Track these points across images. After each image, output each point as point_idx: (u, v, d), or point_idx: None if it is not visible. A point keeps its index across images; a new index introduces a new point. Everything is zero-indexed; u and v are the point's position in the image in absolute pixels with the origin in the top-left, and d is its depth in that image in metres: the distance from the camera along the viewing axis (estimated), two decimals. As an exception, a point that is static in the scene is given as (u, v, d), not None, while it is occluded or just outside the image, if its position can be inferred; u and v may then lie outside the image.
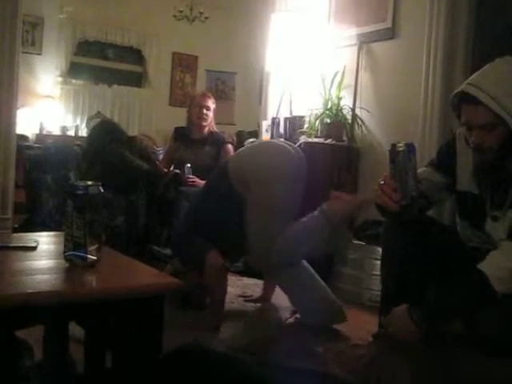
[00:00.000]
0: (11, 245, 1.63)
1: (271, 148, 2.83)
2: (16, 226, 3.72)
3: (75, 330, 1.82)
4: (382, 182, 1.71)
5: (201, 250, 2.61)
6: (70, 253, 1.43)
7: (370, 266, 3.25)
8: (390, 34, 3.82)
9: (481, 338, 1.61)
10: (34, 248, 1.61)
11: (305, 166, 2.77)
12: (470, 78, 1.72)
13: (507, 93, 1.60)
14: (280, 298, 3.17)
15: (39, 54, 6.49)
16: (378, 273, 3.10)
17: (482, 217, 1.81)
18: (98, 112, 6.36)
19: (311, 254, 2.69)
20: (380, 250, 3.11)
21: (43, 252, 1.63)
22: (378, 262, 3.12)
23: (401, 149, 1.64)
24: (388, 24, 3.83)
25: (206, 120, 4.01)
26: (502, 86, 1.62)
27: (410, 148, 1.65)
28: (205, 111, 3.99)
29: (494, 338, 1.58)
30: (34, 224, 3.55)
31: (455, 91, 1.74)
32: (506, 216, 1.72)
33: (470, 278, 1.61)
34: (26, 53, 6.15)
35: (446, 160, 1.92)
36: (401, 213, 1.69)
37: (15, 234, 2.76)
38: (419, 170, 1.80)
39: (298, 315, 2.80)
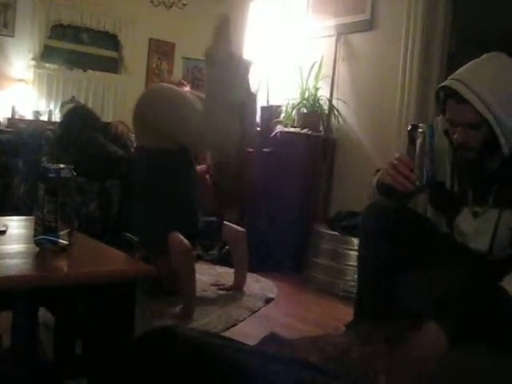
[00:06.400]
0: (-21, 229, 1.59)
1: None
2: (-15, 211, 3.64)
3: (45, 316, 1.79)
4: (397, 162, 1.68)
5: (161, 233, 2.61)
6: (41, 237, 1.39)
7: (345, 256, 3.27)
8: (368, 25, 3.83)
9: None
10: (2, 232, 1.57)
11: None
12: (458, 72, 1.68)
13: (493, 92, 1.58)
14: (252, 286, 3.17)
15: (11, 37, 6.33)
16: (352, 263, 3.14)
17: (451, 210, 1.83)
18: (73, 97, 6.24)
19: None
20: (354, 240, 3.16)
21: (13, 236, 1.59)
22: (352, 253, 3.16)
23: (422, 130, 1.63)
24: (366, 16, 3.83)
25: (184, 108, 3.97)
26: (488, 85, 1.59)
27: (431, 130, 1.65)
28: (184, 99, 3.94)
29: None
30: (4, 209, 3.47)
31: (441, 84, 1.71)
32: (488, 213, 1.72)
33: (499, 301, 1.56)
34: (-2, 35, 6.02)
35: None
36: (411, 193, 1.68)
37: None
38: None
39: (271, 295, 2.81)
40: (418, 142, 1.64)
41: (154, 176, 2.75)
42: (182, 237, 2.60)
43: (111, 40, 7.05)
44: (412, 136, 1.65)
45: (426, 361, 1.53)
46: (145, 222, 2.74)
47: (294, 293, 3.28)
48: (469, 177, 1.77)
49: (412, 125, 1.67)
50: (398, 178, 1.66)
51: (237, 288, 3.07)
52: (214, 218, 3.06)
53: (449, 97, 1.68)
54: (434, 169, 1.66)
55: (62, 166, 1.42)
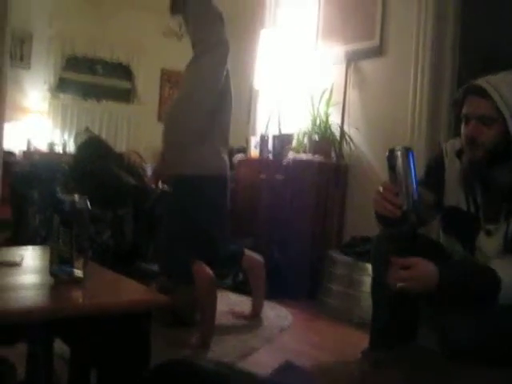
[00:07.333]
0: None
1: None
2: (1, 241, 3.68)
3: (61, 347, 1.79)
4: (382, 189, 1.69)
5: (186, 262, 2.61)
6: (56, 268, 1.40)
7: (359, 282, 3.24)
8: (378, 51, 3.85)
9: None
10: (18, 263, 1.58)
11: None
12: (481, 78, 1.74)
13: None
14: (267, 314, 3.15)
15: (27, 69, 6.48)
16: (367, 289, 3.11)
17: (469, 232, 1.81)
18: (87, 128, 6.33)
19: None
20: (369, 266, 3.13)
21: (28, 267, 1.60)
22: (367, 279, 3.13)
23: (399, 153, 1.62)
24: (376, 42, 3.86)
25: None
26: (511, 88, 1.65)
27: (409, 151, 1.63)
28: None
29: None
30: (19, 240, 3.50)
31: (465, 86, 1.77)
32: (500, 230, 1.71)
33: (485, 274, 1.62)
34: (14, 67, 6.14)
35: (433, 175, 1.92)
36: (402, 218, 1.66)
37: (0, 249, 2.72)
38: None
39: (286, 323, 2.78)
40: (398, 166, 1.63)
41: (187, 204, 2.74)
42: (206, 266, 2.61)
43: (124, 70, 7.17)
44: (391, 162, 1.65)
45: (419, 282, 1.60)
46: (170, 250, 2.74)
47: (308, 320, 3.25)
48: (478, 192, 1.76)
49: (389, 150, 1.67)
50: (385, 205, 1.66)
51: (254, 316, 3.06)
52: (235, 246, 3.06)
53: (469, 93, 1.73)
54: (418, 191, 1.64)
55: (76, 197, 1.43)
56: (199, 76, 2.82)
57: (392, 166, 1.65)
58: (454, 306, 1.64)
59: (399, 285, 1.62)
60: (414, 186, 1.63)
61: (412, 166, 1.63)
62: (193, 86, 2.84)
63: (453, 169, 1.85)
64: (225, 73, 2.84)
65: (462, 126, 1.76)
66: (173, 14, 3.09)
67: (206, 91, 2.79)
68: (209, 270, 2.59)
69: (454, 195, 1.84)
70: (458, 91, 1.81)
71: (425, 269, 1.62)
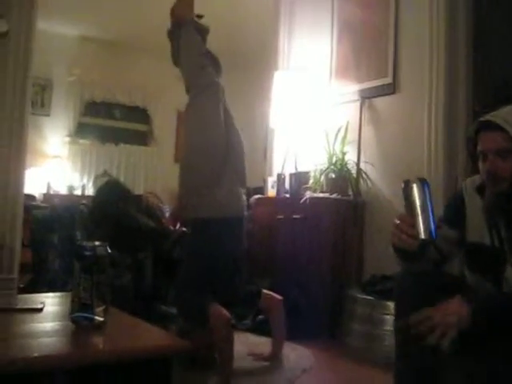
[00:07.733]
0: (17, 307, 1.62)
1: None
2: (21, 285, 3.70)
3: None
4: (398, 222, 1.69)
5: (202, 304, 2.60)
6: (77, 314, 1.41)
7: (381, 321, 3.19)
8: (391, 88, 3.88)
9: None
10: (40, 310, 1.59)
11: None
12: (490, 113, 1.76)
13: None
14: (288, 355, 3.11)
15: (47, 115, 6.62)
16: (389, 328, 3.06)
17: (495, 266, 1.78)
18: (105, 171, 6.44)
19: None
20: (390, 304, 3.09)
21: (49, 313, 1.61)
22: (389, 318, 3.09)
23: (414, 184, 1.63)
24: (389, 79, 3.90)
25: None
26: None
27: (424, 182, 1.64)
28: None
29: None
30: (39, 284, 3.52)
31: (475, 122, 1.78)
32: None
33: None
34: (35, 114, 6.28)
35: (454, 212, 1.91)
36: (420, 250, 1.66)
37: (21, 295, 2.74)
38: None
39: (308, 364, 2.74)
40: (413, 196, 1.63)
41: (204, 247, 2.74)
42: (222, 308, 2.59)
43: (141, 114, 7.30)
44: (406, 193, 1.66)
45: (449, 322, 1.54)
46: (186, 292, 2.74)
47: (330, 361, 3.20)
48: (503, 224, 1.74)
49: (404, 182, 1.68)
50: (402, 236, 1.66)
51: (274, 357, 3.02)
52: (253, 287, 3.04)
53: (481, 130, 1.74)
54: (435, 221, 1.63)
55: (97, 243, 1.45)
56: (199, 118, 2.88)
57: (407, 198, 1.66)
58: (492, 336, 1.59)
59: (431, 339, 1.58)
60: (431, 216, 1.63)
61: (427, 196, 1.64)
62: (196, 128, 2.89)
63: (473, 204, 1.84)
64: (222, 110, 2.89)
65: (480, 163, 1.76)
66: (174, 63, 3.19)
67: (209, 130, 2.84)
68: (225, 312, 2.57)
69: (477, 231, 1.82)
70: (470, 127, 1.82)
71: (449, 305, 1.59)
